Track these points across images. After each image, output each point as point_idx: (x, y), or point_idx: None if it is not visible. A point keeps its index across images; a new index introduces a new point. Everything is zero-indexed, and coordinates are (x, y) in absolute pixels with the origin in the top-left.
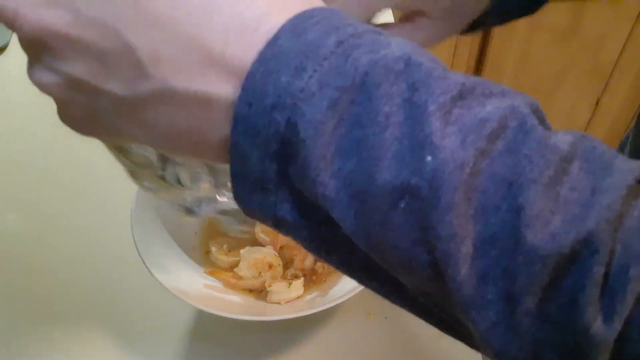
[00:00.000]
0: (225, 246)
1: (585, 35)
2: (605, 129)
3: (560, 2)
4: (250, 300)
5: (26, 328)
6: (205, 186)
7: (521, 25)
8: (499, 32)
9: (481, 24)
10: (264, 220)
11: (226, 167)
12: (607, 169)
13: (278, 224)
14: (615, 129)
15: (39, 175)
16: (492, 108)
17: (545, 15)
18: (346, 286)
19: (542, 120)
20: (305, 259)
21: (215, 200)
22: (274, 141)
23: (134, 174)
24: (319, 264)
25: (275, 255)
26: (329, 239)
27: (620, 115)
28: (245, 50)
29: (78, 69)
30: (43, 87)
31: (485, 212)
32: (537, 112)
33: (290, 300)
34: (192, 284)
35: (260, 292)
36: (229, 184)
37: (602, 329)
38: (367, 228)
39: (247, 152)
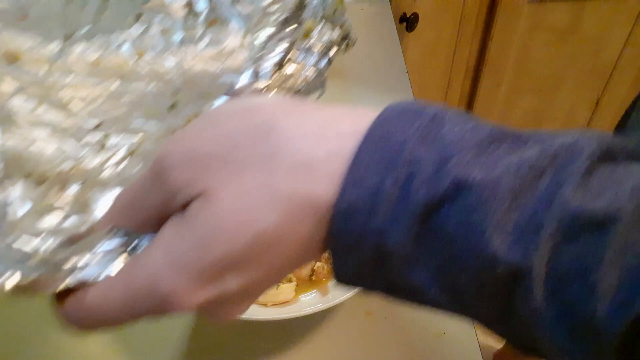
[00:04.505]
0: None
1: (585, 35)
2: (605, 129)
3: (560, 2)
4: None
5: (25, 328)
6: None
7: (521, 25)
8: (499, 32)
9: None
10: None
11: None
12: None
13: (371, 293)
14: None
15: None
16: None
17: (545, 15)
18: None
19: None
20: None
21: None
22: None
23: None
24: (318, 264)
25: None
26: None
27: (620, 115)
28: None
29: (235, 285)
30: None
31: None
32: (608, 150)
33: (278, 303)
34: None
35: None
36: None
37: None
38: (460, 304)
39: (345, 259)
